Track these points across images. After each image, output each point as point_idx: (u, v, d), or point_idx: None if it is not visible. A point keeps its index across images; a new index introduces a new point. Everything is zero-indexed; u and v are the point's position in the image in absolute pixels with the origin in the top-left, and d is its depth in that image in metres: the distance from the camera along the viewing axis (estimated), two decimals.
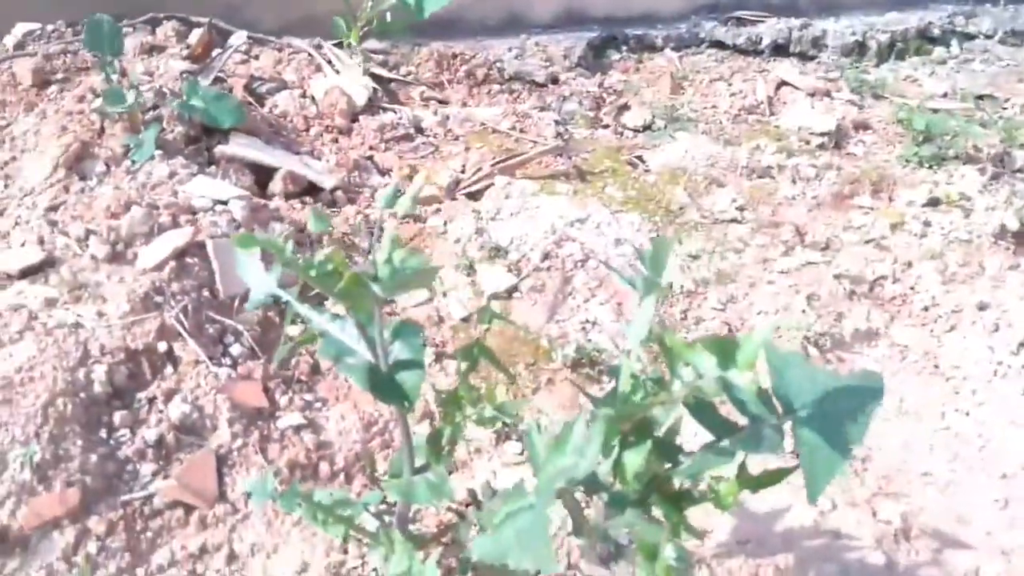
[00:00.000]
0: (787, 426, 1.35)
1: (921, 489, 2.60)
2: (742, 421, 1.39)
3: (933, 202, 3.82)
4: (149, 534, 2.26)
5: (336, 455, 2.55)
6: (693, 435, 2.13)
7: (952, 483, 2.62)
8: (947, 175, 4.04)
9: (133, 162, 3.18)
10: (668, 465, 1.47)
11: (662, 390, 1.39)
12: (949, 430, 2.81)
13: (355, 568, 2.28)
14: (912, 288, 3.35)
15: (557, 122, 4.10)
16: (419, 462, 1.87)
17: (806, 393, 1.33)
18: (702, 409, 1.39)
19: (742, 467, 1.52)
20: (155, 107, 3.43)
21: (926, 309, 3.28)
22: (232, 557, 2.27)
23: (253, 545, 2.30)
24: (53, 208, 2.96)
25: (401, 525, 2.00)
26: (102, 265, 2.79)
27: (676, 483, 1.55)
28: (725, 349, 1.27)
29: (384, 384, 1.61)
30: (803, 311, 3.18)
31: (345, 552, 2.30)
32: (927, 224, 3.68)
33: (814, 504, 1.26)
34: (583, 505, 1.72)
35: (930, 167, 4.17)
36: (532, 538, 1.30)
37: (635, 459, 1.45)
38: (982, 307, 3.24)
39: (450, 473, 2.59)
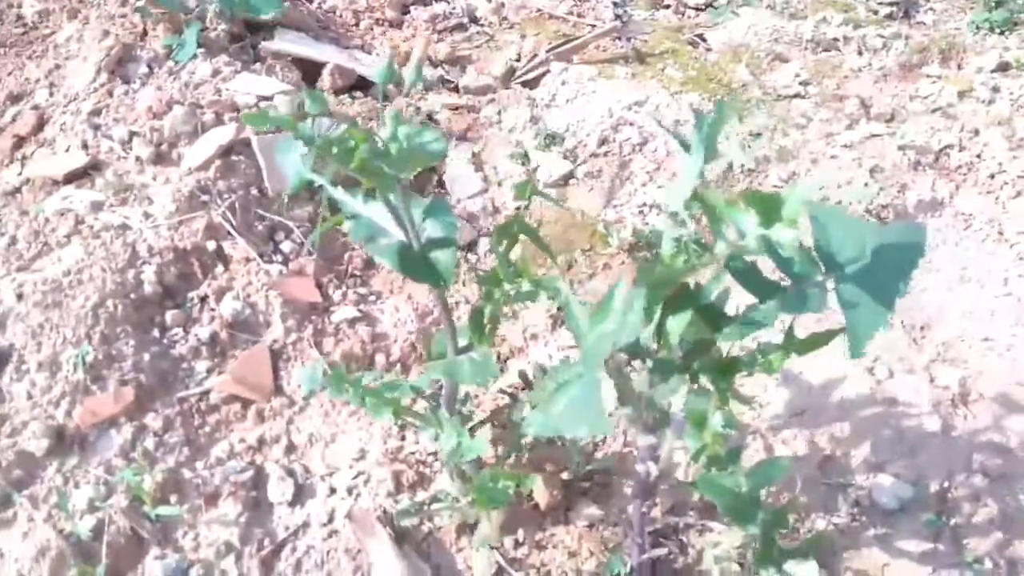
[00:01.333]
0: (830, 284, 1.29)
1: (981, 355, 2.48)
2: (785, 283, 1.31)
3: (1003, 67, 3.56)
4: (207, 428, 2.22)
5: (392, 346, 2.48)
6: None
7: (1013, 347, 2.49)
8: (1019, 39, 3.77)
9: (176, 62, 3.06)
10: (712, 330, 1.36)
11: (705, 253, 1.26)
12: (1012, 296, 2.67)
13: (413, 453, 2.23)
14: (978, 156, 3.15)
15: (615, 4, 3.86)
16: (463, 343, 1.79)
17: (849, 248, 1.26)
18: (744, 271, 1.30)
19: (789, 332, 1.45)
20: (197, 6, 3.29)
21: (992, 176, 3.08)
22: (291, 448, 2.23)
23: (311, 435, 2.25)
24: (96, 112, 2.87)
25: (448, 405, 1.92)
26: (147, 166, 2.70)
27: (724, 351, 1.48)
28: (767, 204, 1.14)
29: (416, 263, 1.53)
30: (866, 184, 3.00)
31: (403, 439, 2.26)
32: (995, 90, 3.43)
33: (856, 358, 1.17)
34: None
35: (1001, 32, 3.87)
36: (584, 405, 1.23)
37: (677, 325, 1.35)
38: None
39: (506, 360, 2.51)
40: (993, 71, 3.53)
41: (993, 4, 4.04)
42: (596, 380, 1.24)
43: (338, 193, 1.58)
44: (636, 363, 1.51)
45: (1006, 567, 2.03)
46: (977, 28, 3.92)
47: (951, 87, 3.44)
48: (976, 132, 3.23)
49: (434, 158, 1.40)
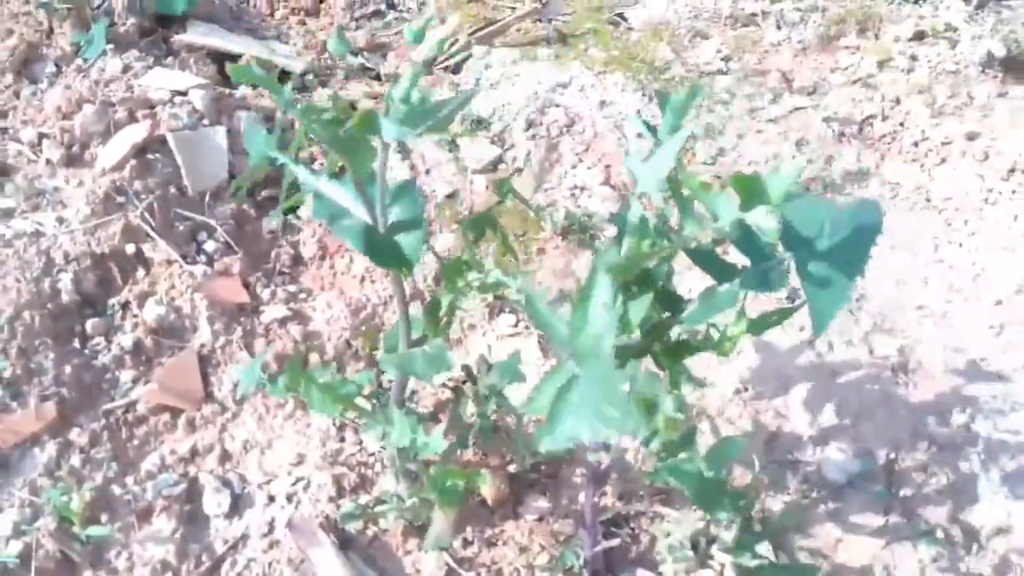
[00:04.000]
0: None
1: (917, 323, 2.48)
2: (740, 264, 1.30)
3: (919, 36, 3.55)
4: (136, 441, 2.10)
5: (326, 344, 2.37)
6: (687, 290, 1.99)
7: (947, 314, 2.51)
8: (932, 8, 3.76)
9: (84, 60, 2.88)
10: (669, 315, 1.31)
11: (669, 236, 1.22)
12: (943, 262, 2.67)
13: (353, 455, 2.14)
14: (901, 124, 3.14)
15: None
16: (415, 335, 1.71)
17: (809, 227, 1.25)
18: (703, 254, 1.27)
19: (741, 312, 1.43)
20: (104, 1, 3.10)
21: (916, 144, 3.07)
22: (225, 456, 2.12)
23: (246, 442, 2.14)
24: (2, 115, 2.69)
25: (398, 400, 1.82)
26: (59, 169, 2.53)
27: (674, 334, 1.46)
28: (751, 187, 1.12)
29: (382, 246, 1.45)
30: (793, 157, 2.97)
31: (342, 440, 2.16)
32: (914, 59, 3.43)
33: (819, 337, 1.14)
34: None
35: (915, 1, 3.86)
36: (601, 404, 1.14)
37: (639, 310, 1.31)
38: (971, 137, 3.04)
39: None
40: (910, 40, 3.52)
41: None
42: (613, 374, 1.16)
43: (300, 171, 1.49)
44: None
45: (959, 536, 2.02)
46: None
47: (870, 57, 3.43)
48: (897, 101, 3.22)
49: (444, 125, 1.28)
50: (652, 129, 1.37)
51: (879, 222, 1.27)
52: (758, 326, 1.45)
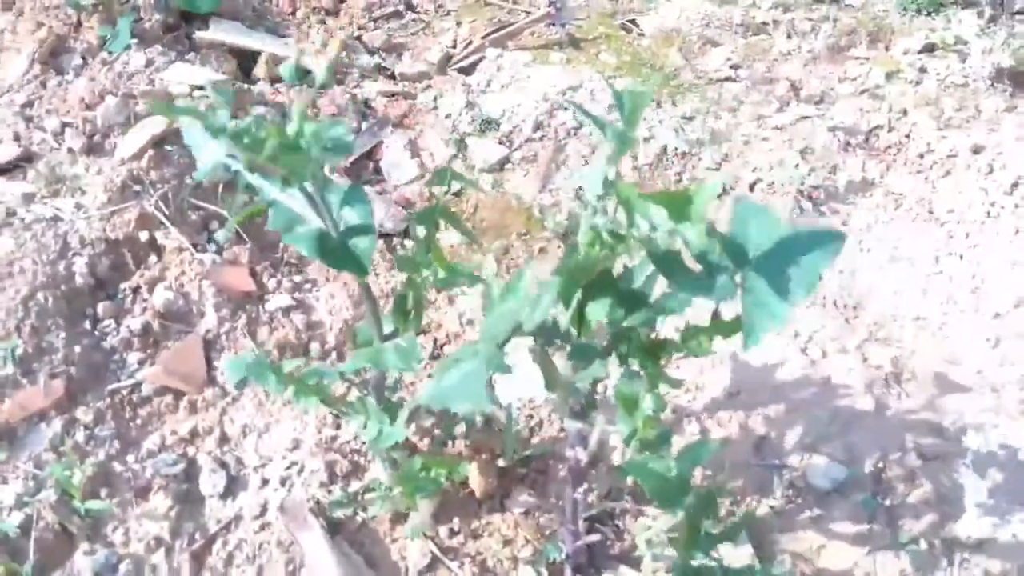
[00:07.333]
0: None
1: (913, 333, 2.47)
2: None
3: (929, 48, 3.53)
4: (138, 421, 2.14)
5: (327, 334, 2.40)
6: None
7: (944, 325, 2.49)
8: (945, 20, 3.74)
9: (109, 53, 2.93)
10: (626, 313, 1.34)
11: (620, 242, 1.22)
12: (942, 274, 2.66)
13: (348, 442, 2.16)
14: (907, 136, 3.11)
15: None
16: (388, 329, 1.72)
17: (760, 242, 1.20)
18: (663, 258, 1.23)
19: (715, 314, 1.42)
20: None
21: (921, 156, 3.04)
22: (223, 439, 2.15)
23: (244, 426, 2.17)
24: (29, 104, 2.73)
25: (378, 392, 1.84)
26: (79, 157, 2.58)
27: (653, 335, 1.45)
28: (676, 203, 1.12)
29: (335, 251, 1.45)
30: (796, 165, 2.96)
31: (338, 427, 2.18)
32: (923, 71, 3.41)
33: (748, 351, 1.13)
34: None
35: (928, 14, 3.83)
36: (470, 381, 1.26)
37: (596, 310, 1.33)
38: (976, 150, 3.01)
39: (443, 346, 2.44)
40: (920, 52, 3.50)
41: None
42: (487, 357, 1.25)
43: (255, 179, 1.48)
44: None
45: (941, 548, 1.99)
46: (904, 9, 3.87)
47: (879, 69, 3.41)
48: (904, 112, 3.19)
49: (339, 154, 1.32)
50: (602, 125, 1.35)
51: (835, 252, 1.18)
52: (727, 329, 1.43)
